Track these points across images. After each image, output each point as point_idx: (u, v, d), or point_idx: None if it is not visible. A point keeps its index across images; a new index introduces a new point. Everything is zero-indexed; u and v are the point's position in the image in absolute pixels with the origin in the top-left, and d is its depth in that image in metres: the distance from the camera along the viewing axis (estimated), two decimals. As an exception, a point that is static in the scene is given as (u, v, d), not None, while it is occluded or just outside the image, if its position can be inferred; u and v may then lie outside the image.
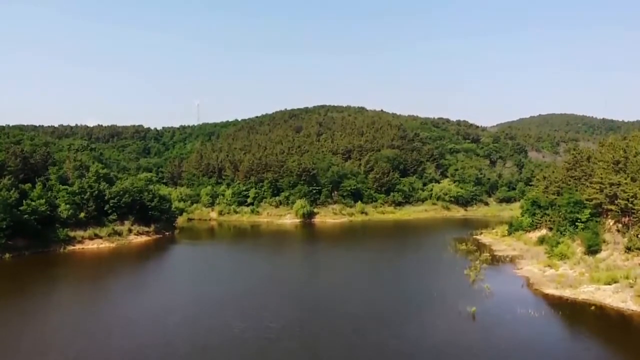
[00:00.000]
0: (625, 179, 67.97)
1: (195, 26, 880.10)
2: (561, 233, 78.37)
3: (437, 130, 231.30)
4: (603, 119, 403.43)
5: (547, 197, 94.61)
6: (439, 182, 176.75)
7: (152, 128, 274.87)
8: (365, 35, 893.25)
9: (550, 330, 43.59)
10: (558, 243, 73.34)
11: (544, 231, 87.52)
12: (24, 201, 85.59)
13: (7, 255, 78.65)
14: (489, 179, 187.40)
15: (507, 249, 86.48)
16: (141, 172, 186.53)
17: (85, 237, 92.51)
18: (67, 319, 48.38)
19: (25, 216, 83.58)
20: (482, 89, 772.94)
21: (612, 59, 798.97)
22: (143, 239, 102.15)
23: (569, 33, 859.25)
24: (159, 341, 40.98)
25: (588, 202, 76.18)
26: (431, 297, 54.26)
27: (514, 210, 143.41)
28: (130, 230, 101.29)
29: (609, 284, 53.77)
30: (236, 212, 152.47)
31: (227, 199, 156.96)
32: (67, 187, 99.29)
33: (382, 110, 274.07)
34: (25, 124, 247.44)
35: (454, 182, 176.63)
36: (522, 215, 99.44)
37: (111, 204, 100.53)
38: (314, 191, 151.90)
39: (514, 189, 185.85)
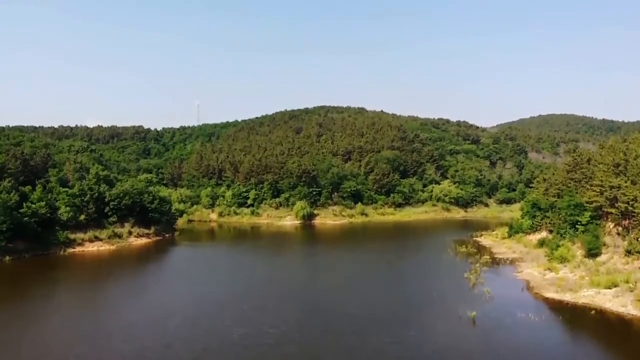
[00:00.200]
0: (626, 182, 67.95)
1: (195, 26, 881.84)
2: (561, 236, 78.39)
3: (437, 131, 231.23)
4: (603, 119, 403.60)
5: (547, 199, 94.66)
6: (439, 184, 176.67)
7: (152, 129, 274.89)
8: (365, 36, 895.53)
9: (551, 335, 43.57)
10: (558, 246, 73.34)
11: (544, 234, 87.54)
12: (24, 203, 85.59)
13: (7, 257, 78.67)
14: (489, 180, 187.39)
15: (507, 251, 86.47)
16: (141, 173, 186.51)
17: (85, 240, 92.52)
18: (67, 322, 48.42)
19: (26, 219, 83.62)
20: (482, 89, 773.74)
21: (612, 59, 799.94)
22: (143, 241, 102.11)
23: (569, 33, 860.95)
24: (159, 345, 41.02)
25: (588, 205, 76.24)
26: (431, 301, 54.30)
27: (514, 212, 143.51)
28: (130, 233, 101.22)
29: (609, 288, 53.79)
30: (236, 214, 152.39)
31: (227, 201, 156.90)
32: (67, 189, 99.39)
33: (382, 110, 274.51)
34: (25, 125, 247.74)
35: (454, 184, 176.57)
36: (522, 218, 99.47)
37: (111, 206, 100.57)
38: (314, 193, 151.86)
39: (514, 190, 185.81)
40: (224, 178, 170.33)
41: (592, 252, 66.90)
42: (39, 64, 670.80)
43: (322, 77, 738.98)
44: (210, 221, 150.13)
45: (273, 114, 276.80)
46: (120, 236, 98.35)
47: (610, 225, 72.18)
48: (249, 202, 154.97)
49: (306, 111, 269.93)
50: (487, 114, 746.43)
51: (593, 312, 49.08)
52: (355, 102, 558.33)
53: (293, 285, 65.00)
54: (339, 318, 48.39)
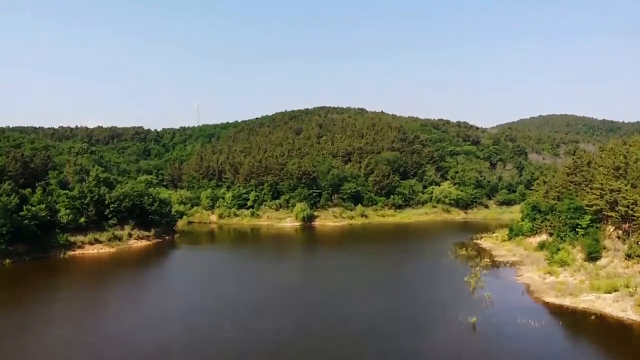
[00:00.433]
0: (626, 186, 67.94)
1: (196, 27, 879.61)
2: (561, 239, 78.42)
3: (437, 132, 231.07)
4: (603, 119, 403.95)
5: (547, 202, 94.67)
6: (439, 185, 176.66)
7: (152, 129, 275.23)
8: (365, 38, 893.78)
9: (551, 342, 43.47)
10: (558, 249, 73.35)
11: (544, 236, 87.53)
12: (24, 206, 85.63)
13: (7, 260, 78.71)
14: (489, 181, 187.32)
15: (507, 254, 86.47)
16: (141, 174, 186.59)
17: (85, 242, 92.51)
18: (67, 328, 48.37)
19: (26, 221, 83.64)
20: (482, 89, 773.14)
21: (612, 59, 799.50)
22: (143, 243, 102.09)
23: (569, 33, 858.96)
24: (159, 351, 40.96)
25: (588, 208, 76.20)
26: (432, 306, 54.36)
27: (514, 213, 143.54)
28: (130, 235, 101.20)
29: (609, 293, 53.77)
30: (236, 215, 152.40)
31: (227, 202, 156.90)
32: (67, 191, 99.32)
33: (382, 111, 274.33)
34: (26, 126, 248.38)
35: (454, 185, 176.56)
36: (522, 220, 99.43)
37: (111, 209, 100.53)
38: (314, 194, 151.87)
39: (514, 191, 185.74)
40: (224, 179, 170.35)
41: (592, 256, 66.93)
42: (40, 64, 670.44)
43: (322, 77, 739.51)
44: (210, 223, 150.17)
45: (273, 114, 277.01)
46: (120, 239, 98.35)
47: (611, 228, 72.19)
48: (249, 203, 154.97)
49: (306, 112, 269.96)
50: (487, 114, 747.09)
51: (593, 317, 49.05)
52: (355, 102, 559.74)
53: (292, 290, 64.90)
54: (339, 324, 48.31)
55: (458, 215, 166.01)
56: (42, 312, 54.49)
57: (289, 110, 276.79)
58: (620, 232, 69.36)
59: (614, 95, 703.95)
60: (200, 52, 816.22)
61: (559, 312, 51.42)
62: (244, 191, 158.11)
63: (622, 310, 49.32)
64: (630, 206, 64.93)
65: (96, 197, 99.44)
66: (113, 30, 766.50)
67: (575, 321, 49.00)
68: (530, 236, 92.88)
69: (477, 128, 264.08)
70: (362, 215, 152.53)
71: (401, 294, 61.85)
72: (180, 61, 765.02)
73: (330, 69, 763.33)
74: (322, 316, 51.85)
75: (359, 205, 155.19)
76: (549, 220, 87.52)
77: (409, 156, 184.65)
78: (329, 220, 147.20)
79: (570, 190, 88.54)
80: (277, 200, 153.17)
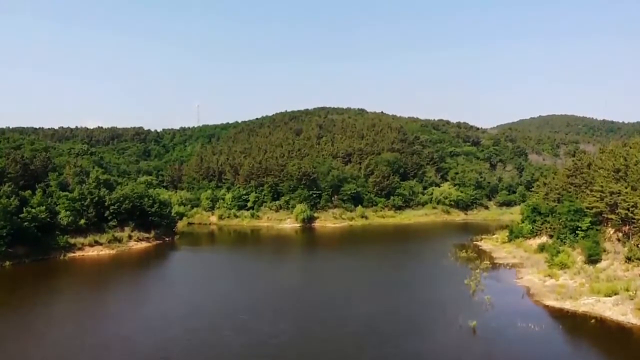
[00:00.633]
0: (626, 188, 67.96)
1: (197, 29, 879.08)
2: (562, 241, 78.43)
3: (437, 133, 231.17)
4: (603, 120, 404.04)
5: (547, 203, 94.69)
6: (439, 186, 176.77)
7: (152, 130, 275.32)
8: (365, 38, 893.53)
9: (551, 345, 43.45)
10: (558, 252, 73.28)
11: (544, 238, 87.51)
12: (24, 208, 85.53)
13: (7, 263, 78.61)
14: (489, 182, 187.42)
15: (507, 256, 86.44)
16: (141, 175, 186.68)
17: (85, 244, 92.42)
18: (67, 331, 48.26)
19: (26, 223, 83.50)
20: (482, 90, 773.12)
21: (612, 59, 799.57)
22: (143, 245, 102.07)
23: (569, 33, 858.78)
24: (158, 356, 40.93)
25: (588, 210, 76.24)
26: (432, 309, 54.30)
27: (514, 214, 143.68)
28: (130, 237, 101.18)
29: (609, 296, 53.69)
30: (236, 217, 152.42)
31: (227, 203, 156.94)
32: (67, 193, 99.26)
33: (382, 112, 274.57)
34: (26, 126, 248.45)
35: (454, 186, 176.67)
36: (523, 222, 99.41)
37: (111, 210, 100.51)
38: (314, 195, 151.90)
39: (514, 192, 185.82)
40: (224, 180, 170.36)
41: (592, 259, 66.90)
42: (40, 65, 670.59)
43: (322, 77, 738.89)
44: (210, 224, 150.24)
45: (273, 115, 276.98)
46: (120, 240, 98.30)
47: (611, 231, 72.20)
48: (249, 204, 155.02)
49: (306, 112, 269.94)
50: (487, 114, 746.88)
51: (593, 320, 48.97)
52: (355, 103, 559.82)
53: (292, 293, 64.80)
54: (338, 327, 48.29)
55: (458, 216, 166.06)
56: (42, 314, 54.43)
57: (289, 110, 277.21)
58: (620, 234, 69.39)
59: (614, 95, 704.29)
60: (200, 52, 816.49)
61: (559, 316, 51.42)
62: (244, 192, 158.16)
63: (622, 314, 49.26)
64: (630, 209, 64.96)
65: (96, 198, 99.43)
66: (113, 30, 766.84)
67: (576, 325, 48.99)
68: (530, 238, 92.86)
69: (477, 129, 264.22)
70: (362, 217, 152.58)
71: (401, 296, 61.84)
72: (180, 61, 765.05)
73: (330, 69, 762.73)
74: (322, 318, 51.85)
75: (359, 206, 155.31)
76: (549, 222, 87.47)
77: (409, 157, 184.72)
78: (329, 221, 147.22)
79: (570, 192, 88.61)
80: (277, 202, 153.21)
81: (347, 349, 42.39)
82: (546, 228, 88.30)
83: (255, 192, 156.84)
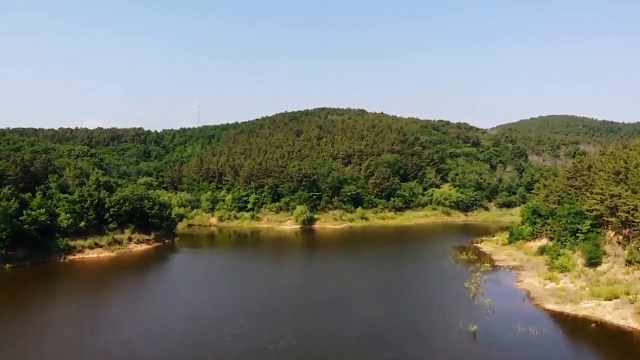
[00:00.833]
0: (626, 191, 67.85)
1: (197, 29, 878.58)
2: (562, 243, 78.35)
3: (437, 134, 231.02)
4: (603, 120, 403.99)
5: (547, 206, 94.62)
6: (439, 187, 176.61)
7: (153, 131, 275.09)
8: (365, 38, 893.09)
9: (551, 349, 43.40)
10: (559, 254, 73.21)
11: (544, 240, 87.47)
12: (24, 211, 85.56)
13: (7, 265, 78.60)
14: (489, 183, 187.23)
15: (507, 258, 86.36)
16: (141, 176, 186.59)
17: (85, 246, 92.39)
18: (66, 336, 48.13)
19: (26, 226, 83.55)
20: (482, 90, 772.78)
21: (612, 59, 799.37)
22: (143, 247, 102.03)
23: (569, 33, 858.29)
24: (157, 358, 40.98)
25: (589, 213, 76.14)
26: (432, 314, 54.10)
27: (514, 216, 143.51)
28: (130, 239, 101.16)
29: (610, 300, 53.58)
30: (236, 218, 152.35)
31: (227, 205, 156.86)
32: (67, 195, 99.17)
33: (382, 112, 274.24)
34: (25, 127, 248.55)
35: (454, 187, 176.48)
36: (523, 224, 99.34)
37: (111, 212, 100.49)
38: (314, 197, 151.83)
39: (514, 193, 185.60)
40: (224, 182, 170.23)
41: (593, 262, 66.82)
42: (40, 65, 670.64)
43: (322, 78, 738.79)
44: (210, 225, 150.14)
45: (273, 115, 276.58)
46: (120, 242, 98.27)
47: (611, 234, 72.09)
48: (249, 206, 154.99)
49: (306, 113, 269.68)
50: (487, 114, 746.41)
51: (593, 325, 48.91)
52: (355, 103, 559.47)
53: (292, 297, 64.67)
54: (338, 332, 48.14)
55: (458, 217, 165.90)
56: (42, 317, 54.38)
57: (289, 111, 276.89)
58: (621, 237, 69.25)
59: (614, 96, 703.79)
60: (200, 52, 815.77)
61: (560, 320, 51.37)
62: (244, 194, 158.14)
63: (623, 318, 49.18)
64: (631, 212, 64.85)
65: (96, 201, 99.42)
66: (113, 30, 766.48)
67: (576, 329, 48.94)
68: (530, 240, 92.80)
69: (477, 129, 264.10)
70: (362, 218, 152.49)
71: (401, 299, 61.73)
72: (180, 61, 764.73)
73: (330, 69, 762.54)
74: (322, 322, 51.76)
75: (359, 207, 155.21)
76: (549, 224, 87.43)
77: (409, 158, 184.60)
78: (329, 222, 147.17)
79: (570, 194, 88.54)
80: (277, 203, 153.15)
81: (346, 354, 42.31)
82: (546, 230, 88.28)
83: (256, 194, 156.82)
